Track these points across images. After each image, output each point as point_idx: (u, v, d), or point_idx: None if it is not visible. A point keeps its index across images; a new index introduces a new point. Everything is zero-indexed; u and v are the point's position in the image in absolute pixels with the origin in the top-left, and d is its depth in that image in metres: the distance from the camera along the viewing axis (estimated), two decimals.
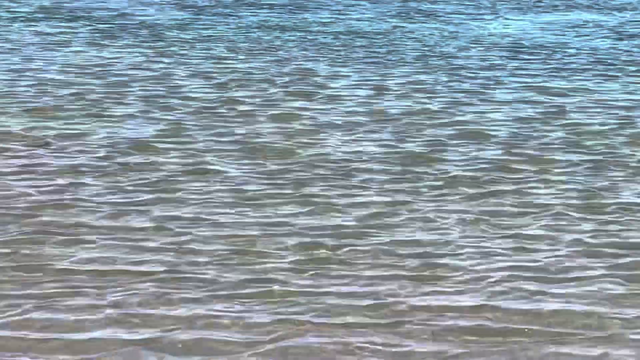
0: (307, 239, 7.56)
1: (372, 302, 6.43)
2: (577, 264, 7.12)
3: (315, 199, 8.51)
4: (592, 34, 18.65)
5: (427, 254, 7.29)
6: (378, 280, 6.80)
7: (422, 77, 14.01)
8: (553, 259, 7.21)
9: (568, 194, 8.74)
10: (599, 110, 12.05)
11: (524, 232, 7.74)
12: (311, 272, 6.94)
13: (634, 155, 10.01)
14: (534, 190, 8.83)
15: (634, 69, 14.91)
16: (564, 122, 11.42)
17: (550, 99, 12.64)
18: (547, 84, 13.61)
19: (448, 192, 8.74)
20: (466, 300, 6.47)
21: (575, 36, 18.36)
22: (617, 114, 11.86)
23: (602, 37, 18.29)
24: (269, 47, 16.31)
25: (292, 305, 6.39)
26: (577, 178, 9.22)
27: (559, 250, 7.40)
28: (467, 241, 7.54)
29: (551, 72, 14.58)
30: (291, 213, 8.17)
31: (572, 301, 6.48)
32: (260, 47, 16.34)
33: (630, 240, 7.60)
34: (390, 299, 6.48)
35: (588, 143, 10.49)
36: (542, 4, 23.03)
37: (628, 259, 7.20)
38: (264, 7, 21.48)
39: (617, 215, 8.19)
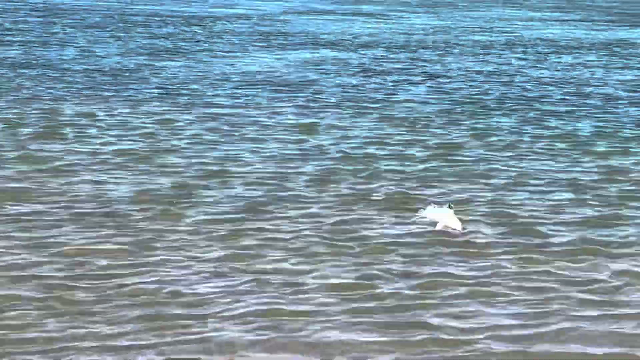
0: (33, 282, 7.20)
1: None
2: (318, 305, 7.01)
3: (54, 247, 8.10)
4: (340, 71, 19.02)
5: (159, 302, 6.99)
6: (104, 325, 6.53)
7: (171, 115, 13.82)
8: (290, 297, 7.11)
9: (316, 229, 8.72)
10: (347, 145, 12.21)
11: (264, 276, 7.55)
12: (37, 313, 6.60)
13: (379, 190, 10.16)
14: (280, 229, 8.76)
15: (380, 105, 15.27)
16: (315, 159, 11.49)
17: (302, 137, 12.71)
18: (299, 121, 13.70)
19: (194, 233, 8.54)
20: (193, 351, 6.26)
21: (323, 73, 18.67)
22: (365, 149, 12.06)
23: (350, 74, 18.69)
24: (11, 86, 15.70)
25: None
26: (325, 214, 9.23)
27: (301, 289, 7.30)
28: (210, 281, 7.37)
29: (302, 108, 14.71)
30: (24, 260, 7.75)
31: (310, 348, 6.36)
32: (2, 85, 15.70)
33: (374, 280, 7.54)
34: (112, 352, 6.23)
35: (335, 178, 10.57)
36: (290, 42, 23.35)
37: (370, 304, 7.08)
38: (4, 43, 20.74)
39: (363, 250, 8.21)
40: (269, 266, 7.79)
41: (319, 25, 26.93)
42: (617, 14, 46.55)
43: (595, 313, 7.00)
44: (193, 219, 8.97)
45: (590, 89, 18.04)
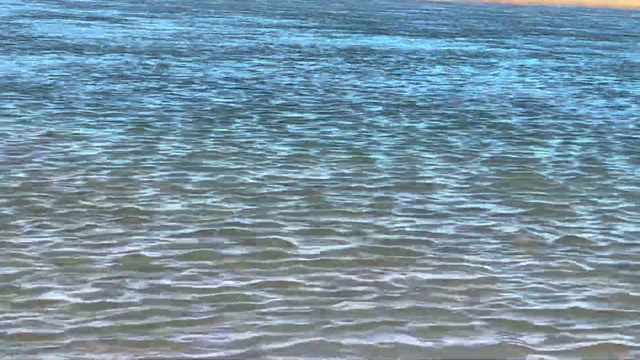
0: None
1: None
2: (51, 327, 6.63)
3: None
4: (85, 77, 18.48)
5: None
6: None
7: None
8: (27, 317, 6.73)
9: (68, 244, 8.33)
10: (92, 155, 11.79)
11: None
12: None
13: (122, 202, 9.84)
14: (24, 242, 8.26)
15: (126, 112, 14.91)
16: (62, 169, 11.01)
17: (49, 146, 12.16)
18: (44, 130, 13.13)
19: None
20: None
21: (68, 79, 18.09)
22: (112, 159, 11.68)
23: (95, 80, 18.21)
24: None
25: None
26: (71, 228, 8.84)
27: (36, 308, 6.90)
28: None
29: (48, 116, 14.13)
30: None
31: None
32: None
33: (112, 297, 7.21)
34: None
35: (84, 190, 10.16)
36: (30, 46, 22.54)
37: (107, 322, 6.84)
38: None
39: (104, 266, 7.88)
40: (7, 281, 7.32)
41: (59, 29, 26.14)
42: (350, 21, 47.98)
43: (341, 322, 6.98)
44: None
45: (336, 95, 18.34)
